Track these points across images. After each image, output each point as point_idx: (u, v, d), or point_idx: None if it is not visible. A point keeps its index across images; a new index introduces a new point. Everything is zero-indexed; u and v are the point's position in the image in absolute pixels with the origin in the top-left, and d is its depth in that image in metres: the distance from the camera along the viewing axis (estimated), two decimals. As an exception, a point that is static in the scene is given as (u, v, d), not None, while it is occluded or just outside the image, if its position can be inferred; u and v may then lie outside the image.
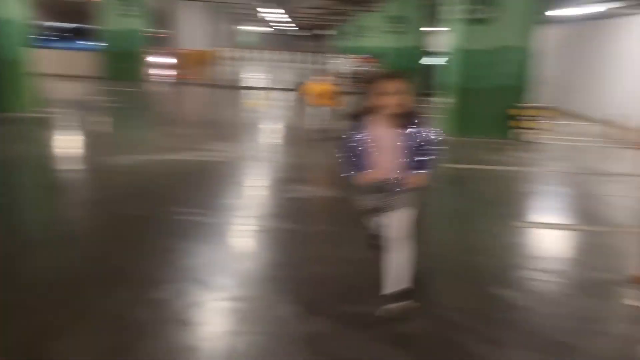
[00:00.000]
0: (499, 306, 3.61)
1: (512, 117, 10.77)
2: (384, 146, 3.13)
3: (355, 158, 3.20)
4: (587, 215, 6.17)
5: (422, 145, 3.13)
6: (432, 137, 3.17)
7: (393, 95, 2.99)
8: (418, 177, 3.17)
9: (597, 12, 14.53)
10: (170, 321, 3.14)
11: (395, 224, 3.19)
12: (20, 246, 4.21)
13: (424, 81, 19.34)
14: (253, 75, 20.84)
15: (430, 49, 20.42)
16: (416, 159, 3.14)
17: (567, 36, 17.47)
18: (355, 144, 3.17)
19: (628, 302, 3.86)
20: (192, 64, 24.43)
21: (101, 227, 4.75)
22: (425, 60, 20.34)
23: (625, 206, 6.48)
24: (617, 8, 13.42)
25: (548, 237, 5.34)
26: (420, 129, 3.13)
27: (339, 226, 4.92)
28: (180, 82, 20.11)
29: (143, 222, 4.81)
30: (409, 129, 3.10)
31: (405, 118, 3.09)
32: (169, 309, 3.27)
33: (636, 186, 7.45)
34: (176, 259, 4.06)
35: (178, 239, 4.45)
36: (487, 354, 2.97)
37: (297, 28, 35.73)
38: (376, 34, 22.19)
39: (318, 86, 8.80)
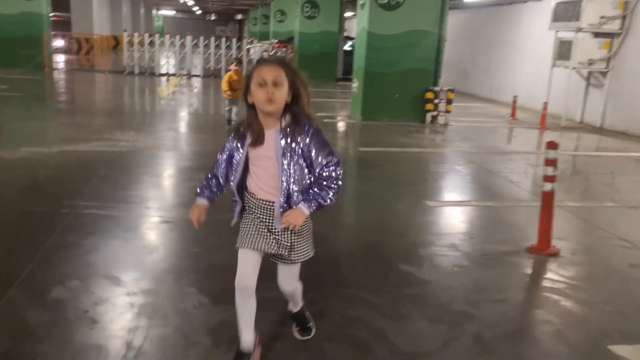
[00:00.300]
0: (405, 282, 3.75)
1: (421, 100, 11.15)
2: (259, 160, 2.40)
3: (219, 177, 2.52)
4: (490, 191, 6.51)
5: (314, 168, 2.36)
6: (328, 159, 2.36)
7: (272, 87, 2.24)
8: (295, 215, 2.34)
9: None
10: (74, 320, 3.00)
11: (283, 277, 2.63)
12: None
13: (343, 67, 19.65)
14: (166, 62, 20.14)
15: (350, 35, 20.72)
16: (301, 186, 2.37)
17: (473, 21, 18.24)
18: (227, 156, 2.49)
19: (524, 271, 4.13)
20: (98, 50, 23.26)
21: None
22: (345, 46, 20.65)
23: (524, 182, 6.91)
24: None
25: (454, 214, 5.59)
26: (313, 140, 2.34)
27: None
28: (84, 68, 19.10)
29: (43, 219, 4.54)
30: (297, 137, 2.33)
31: (291, 120, 2.35)
32: (72, 308, 3.12)
33: (534, 163, 7.97)
34: (79, 255, 3.88)
35: (82, 234, 4.25)
36: (390, 329, 3.07)
37: (211, 13, 34.91)
38: (291, 18, 22.16)
39: (229, 75, 8.65)
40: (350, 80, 13.18)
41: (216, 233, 3.97)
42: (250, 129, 2.37)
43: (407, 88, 11.08)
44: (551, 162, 4.18)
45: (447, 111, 11.18)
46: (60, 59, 19.98)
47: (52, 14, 19.98)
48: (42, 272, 3.58)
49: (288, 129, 2.33)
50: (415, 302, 3.46)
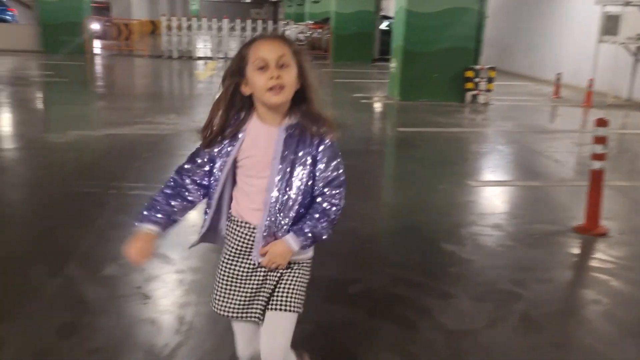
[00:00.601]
0: (448, 261, 3.75)
1: (462, 79, 10.97)
2: (254, 170, 1.76)
3: (186, 194, 1.84)
4: (534, 171, 6.40)
5: (318, 183, 1.75)
6: (337, 191, 1.76)
7: (277, 70, 1.64)
8: (281, 249, 1.74)
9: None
10: (128, 296, 3.12)
11: (266, 344, 1.83)
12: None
13: (380, 47, 19.45)
14: (203, 45, 20.34)
15: (387, 14, 20.50)
16: (301, 207, 1.75)
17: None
18: (202, 163, 1.83)
19: (571, 251, 4.07)
20: (137, 35, 23.64)
21: (45, 206, 4.61)
22: (382, 25, 20.41)
23: (569, 161, 6.76)
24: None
25: (497, 194, 5.53)
26: (326, 154, 1.74)
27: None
28: (124, 53, 19.47)
29: (94, 199, 4.70)
30: (309, 141, 1.73)
31: (303, 116, 1.74)
32: (126, 284, 3.25)
33: (579, 142, 7.78)
34: (130, 234, 4.00)
35: (131, 214, 4.38)
36: (435, 307, 3.09)
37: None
38: (327, -1, 22.02)
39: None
40: (387, 60, 13.04)
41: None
42: (240, 128, 1.75)
43: (447, 67, 10.89)
44: (601, 140, 4.08)
45: (488, 90, 10.97)
46: (100, 45, 20.37)
47: (92, 0, 20.39)
48: (96, 249, 3.72)
49: (297, 129, 1.73)
50: (460, 281, 3.47)
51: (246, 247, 1.80)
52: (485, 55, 12.70)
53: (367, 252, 3.83)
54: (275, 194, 1.71)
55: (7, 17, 22.81)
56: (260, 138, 1.73)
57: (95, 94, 11.95)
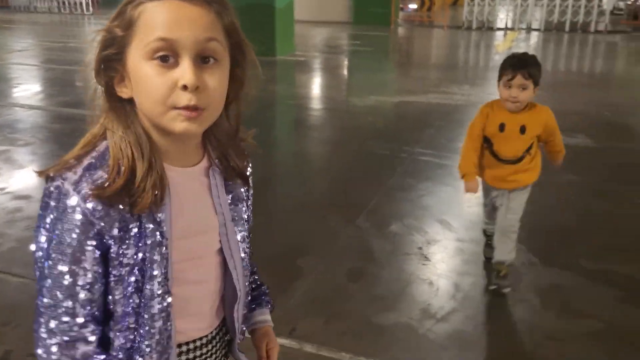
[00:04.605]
0: None
1: None
2: (194, 254, 1.05)
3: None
4: None
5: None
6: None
7: (197, 64, 0.89)
8: (274, 339, 1.25)
9: None
10: (409, 254, 3.31)
11: None
12: (275, 175, 4.82)
13: None
14: (505, 16, 19.63)
15: None
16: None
17: None
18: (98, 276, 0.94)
19: None
20: (439, 5, 24.05)
21: (344, 162, 5.13)
22: None
23: None
24: None
25: None
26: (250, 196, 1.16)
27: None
28: (425, 25, 20.01)
29: (385, 161, 5.05)
30: (240, 183, 1.12)
31: (227, 143, 1.07)
32: (408, 243, 3.45)
33: None
34: (416, 197, 4.21)
35: (419, 178, 4.59)
36: None
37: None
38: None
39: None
40: None
41: (553, 195, 3.80)
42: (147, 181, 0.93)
43: None
44: None
45: None
46: (402, 16, 21.29)
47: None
48: (384, 207, 4.01)
49: (225, 164, 1.07)
50: None
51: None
52: None
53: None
54: (239, 279, 1.11)
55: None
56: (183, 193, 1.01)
57: (395, 62, 12.64)
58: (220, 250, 1.08)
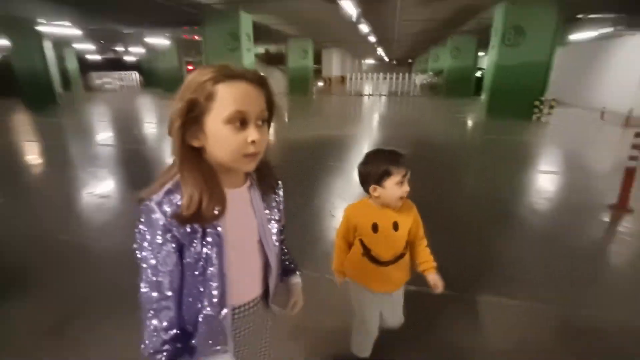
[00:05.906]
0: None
1: (532, 107, 9.40)
2: (239, 241, 0.93)
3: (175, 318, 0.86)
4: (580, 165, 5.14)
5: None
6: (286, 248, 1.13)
7: (256, 127, 0.86)
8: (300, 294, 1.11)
9: (601, 34, 11.85)
10: (324, 215, 3.34)
11: None
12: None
13: (475, 87, 17.45)
14: (368, 88, 20.20)
15: (481, 66, 18.18)
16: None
17: (577, 53, 14.48)
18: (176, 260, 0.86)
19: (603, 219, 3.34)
20: (335, 83, 24.31)
21: (295, 172, 4.69)
22: (478, 73, 18.36)
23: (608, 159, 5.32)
24: (614, 31, 10.85)
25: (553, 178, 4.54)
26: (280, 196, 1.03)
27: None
28: (329, 93, 20.14)
29: (309, 168, 4.89)
30: (274, 193, 1.01)
31: (262, 170, 0.96)
32: (324, 209, 3.47)
33: (615, 148, 6.15)
34: (330, 182, 4.22)
35: (330, 176, 4.47)
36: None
37: (395, 59, 33.48)
38: (443, 58, 20.22)
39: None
40: (479, 95, 11.60)
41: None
42: (210, 197, 0.85)
43: (521, 98, 9.42)
44: (637, 146, 3.24)
45: (549, 114, 9.20)
46: (316, 89, 21.10)
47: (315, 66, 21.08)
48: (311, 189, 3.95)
49: (262, 183, 0.98)
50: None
51: (263, 326, 1.04)
52: (550, 90, 10.62)
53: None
54: (272, 258, 0.99)
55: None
56: (236, 208, 0.91)
57: (311, 114, 12.53)
58: (260, 241, 0.98)
